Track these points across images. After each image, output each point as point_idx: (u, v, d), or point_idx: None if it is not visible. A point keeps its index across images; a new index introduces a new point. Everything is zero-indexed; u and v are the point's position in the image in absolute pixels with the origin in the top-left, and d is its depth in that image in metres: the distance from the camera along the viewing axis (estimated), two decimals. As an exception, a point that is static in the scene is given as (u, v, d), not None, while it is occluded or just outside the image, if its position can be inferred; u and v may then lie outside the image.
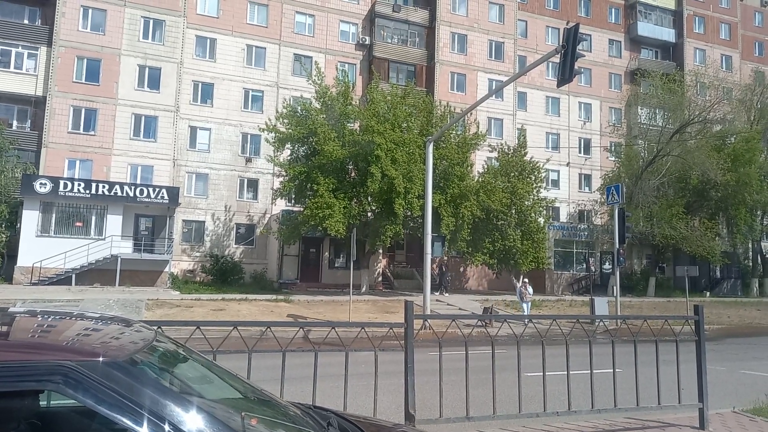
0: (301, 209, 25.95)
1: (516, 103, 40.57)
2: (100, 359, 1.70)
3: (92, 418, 1.76)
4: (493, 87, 39.70)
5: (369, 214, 26.45)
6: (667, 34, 46.28)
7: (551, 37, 43.26)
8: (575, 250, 36.67)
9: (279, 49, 35.22)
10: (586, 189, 42.52)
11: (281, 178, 27.36)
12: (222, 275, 29.94)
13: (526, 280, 20.74)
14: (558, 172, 42.26)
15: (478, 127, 29.37)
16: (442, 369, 4.92)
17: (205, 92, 33.49)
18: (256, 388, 2.42)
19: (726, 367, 10.95)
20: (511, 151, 31.53)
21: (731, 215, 33.07)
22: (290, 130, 26.21)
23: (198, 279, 31.10)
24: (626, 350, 6.14)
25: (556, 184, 42.04)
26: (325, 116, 26.54)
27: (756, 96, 36.00)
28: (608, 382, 5.67)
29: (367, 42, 37.05)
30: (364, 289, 28.72)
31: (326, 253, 32.24)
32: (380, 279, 33.05)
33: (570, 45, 11.30)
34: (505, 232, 29.79)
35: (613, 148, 37.63)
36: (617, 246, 19.31)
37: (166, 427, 1.63)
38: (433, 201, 24.79)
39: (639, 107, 39.83)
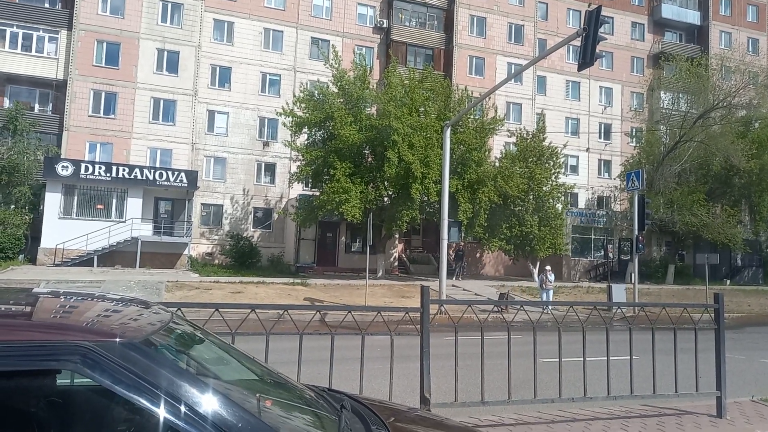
0: (318, 194, 26.00)
1: (535, 88, 40.05)
2: (118, 340, 1.73)
3: (110, 398, 1.79)
4: (513, 71, 39.23)
5: (385, 199, 26.42)
6: (692, 17, 45.17)
7: (572, 19, 42.49)
8: (593, 237, 36.34)
9: (296, 33, 35.09)
10: (606, 175, 41.97)
11: (298, 163, 27.41)
12: (240, 258, 30.19)
13: (548, 267, 20.53)
14: (577, 157, 41.73)
15: (496, 111, 29.05)
16: (457, 354, 4.92)
17: (222, 76, 33.55)
18: (272, 371, 2.45)
19: (745, 356, 10.82)
20: (530, 135, 31.18)
21: (754, 203, 32.45)
22: (307, 115, 26.21)
23: (216, 262, 31.44)
24: (643, 338, 6.09)
25: (575, 169, 41.52)
26: (342, 100, 26.49)
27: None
28: (625, 369, 5.64)
29: (384, 25, 36.75)
30: (380, 273, 28.82)
31: (343, 238, 32.36)
32: (396, 264, 33.11)
33: (591, 28, 11.08)
34: (523, 218, 29.64)
35: (634, 133, 36.99)
36: (636, 233, 19.07)
37: (182, 407, 1.65)
38: (450, 186, 24.82)
39: (662, 92, 39.06)
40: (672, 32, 45.59)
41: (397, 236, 33.17)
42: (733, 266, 41.42)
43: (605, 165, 42.38)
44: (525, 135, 31.31)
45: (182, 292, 19.67)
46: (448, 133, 17.99)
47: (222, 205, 33.07)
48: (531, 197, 30.29)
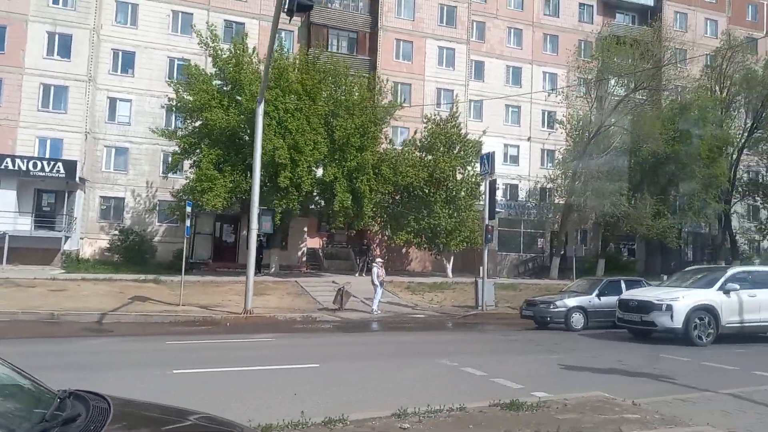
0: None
1: (470, 73, 37.85)
2: None
3: None
4: (444, 55, 37.15)
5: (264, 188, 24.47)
6: (645, -3, 42.71)
7: (515, 0, 40.25)
8: (523, 230, 34.17)
9: (208, 15, 33.08)
10: (549, 165, 39.68)
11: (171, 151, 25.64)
12: (127, 254, 28.47)
13: (380, 260, 18.57)
14: (518, 147, 39.56)
15: (394, 94, 27.03)
16: None
17: (125, 61, 31.77)
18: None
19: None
20: (442, 121, 29.11)
21: (683, 192, 30.12)
22: (187, 97, 24.46)
23: (115, 258, 29.73)
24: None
25: (515, 160, 39.38)
26: (222, 83, 24.72)
27: (726, 61, 32.60)
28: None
29: (304, 7, 34.69)
30: (273, 269, 27.00)
31: (244, 232, 30.41)
32: (304, 259, 31.18)
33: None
34: (432, 210, 27.64)
35: (561, 120, 34.66)
36: (486, 222, 17.03)
37: None
38: (327, 174, 22.97)
39: (608, 76, 36.72)
40: (623, 14, 43.18)
41: (306, 229, 31.32)
42: (684, 261, 39.15)
43: (549, 155, 40.08)
44: (438, 121, 29.29)
45: (-5, 290, 17.90)
46: (260, 109, 15.91)
47: (123, 198, 31.35)
48: (442, 188, 28.32)
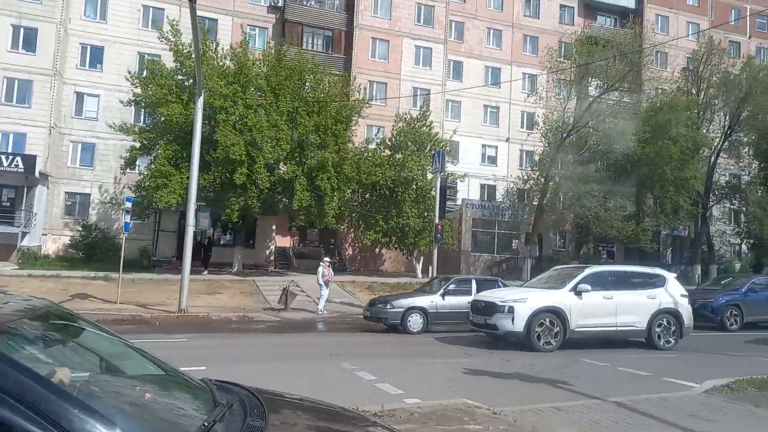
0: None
1: (448, 73, 37.45)
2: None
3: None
4: (421, 54, 36.72)
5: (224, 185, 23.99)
6: (626, -1, 42.41)
7: (494, 1, 39.87)
8: (497, 231, 33.71)
9: (180, 10, 32.53)
10: (527, 166, 39.29)
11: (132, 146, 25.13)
12: (89, 251, 27.95)
13: (327, 259, 18.05)
14: (496, 147, 39.17)
15: (361, 92, 26.60)
16: None
17: (94, 56, 31.35)
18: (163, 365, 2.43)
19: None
20: (413, 120, 28.67)
21: (658, 194, 29.71)
22: (148, 92, 24.00)
23: (79, 255, 29.20)
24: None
25: (493, 160, 39.01)
26: (184, 77, 24.29)
27: (703, 64, 32.24)
28: None
29: (279, 4, 34.27)
30: (236, 268, 26.49)
31: (211, 229, 29.92)
32: (272, 258, 30.67)
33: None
34: (402, 209, 27.18)
35: (535, 119, 34.24)
36: (436, 221, 16.56)
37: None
38: (286, 172, 22.52)
39: (584, 75, 36.35)
40: (605, 16, 42.84)
41: (274, 228, 30.84)
42: (662, 264, 38.78)
43: (528, 156, 39.65)
44: (409, 120, 28.84)
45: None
46: (199, 102, 15.46)
47: (89, 194, 30.85)
48: (413, 187, 27.87)
